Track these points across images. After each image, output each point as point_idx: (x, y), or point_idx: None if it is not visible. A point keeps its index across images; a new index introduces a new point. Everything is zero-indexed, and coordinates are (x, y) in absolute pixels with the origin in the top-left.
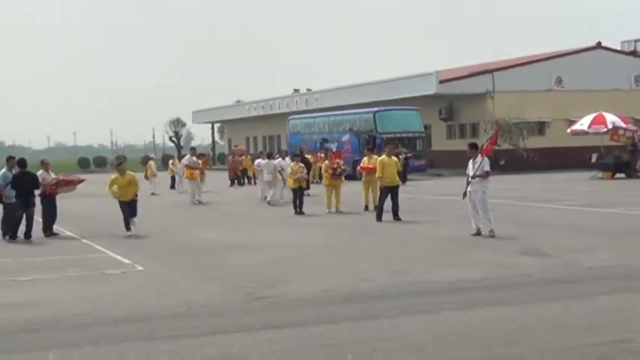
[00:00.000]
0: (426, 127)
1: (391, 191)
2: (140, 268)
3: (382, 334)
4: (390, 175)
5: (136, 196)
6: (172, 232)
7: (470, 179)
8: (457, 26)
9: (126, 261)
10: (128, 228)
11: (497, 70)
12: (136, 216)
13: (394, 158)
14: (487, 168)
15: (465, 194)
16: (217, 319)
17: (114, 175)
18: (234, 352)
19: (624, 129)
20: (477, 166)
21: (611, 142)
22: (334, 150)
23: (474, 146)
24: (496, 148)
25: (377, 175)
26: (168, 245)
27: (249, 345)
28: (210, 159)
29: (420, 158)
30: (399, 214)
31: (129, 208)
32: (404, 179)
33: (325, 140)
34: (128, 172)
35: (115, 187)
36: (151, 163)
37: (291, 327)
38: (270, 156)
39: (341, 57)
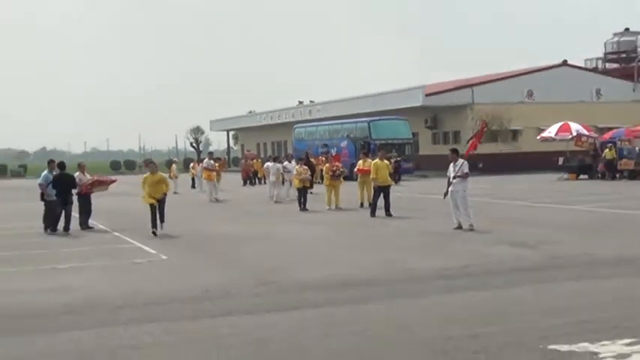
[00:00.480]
0: (413, 134)
1: (383, 190)
2: (164, 257)
3: (375, 316)
4: (382, 176)
5: (165, 195)
6: (193, 226)
7: (451, 180)
8: (446, 43)
9: (152, 251)
10: (154, 225)
11: (477, 84)
12: (164, 222)
13: (386, 161)
14: (466, 170)
15: (445, 194)
16: (230, 302)
17: (145, 174)
18: (245, 331)
19: (587, 136)
20: (457, 168)
21: (576, 147)
22: (334, 154)
23: (455, 151)
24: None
25: (371, 176)
26: (189, 237)
27: (258, 325)
28: (226, 162)
29: (408, 161)
30: (390, 210)
31: (158, 210)
32: (397, 179)
33: (326, 146)
34: (159, 172)
35: (147, 189)
36: (174, 166)
37: (295, 309)
38: (276, 159)
39: (340, 73)
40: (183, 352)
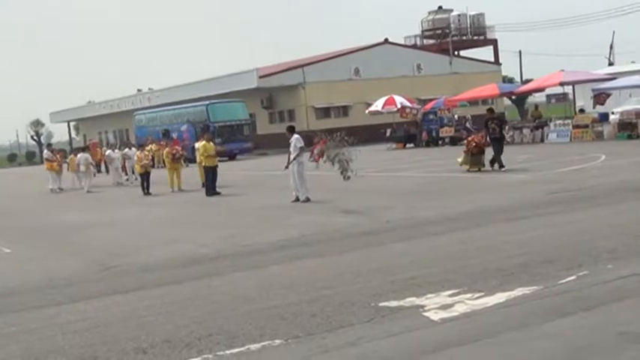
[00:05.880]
0: (251, 115)
1: (213, 170)
2: (7, 250)
3: (218, 289)
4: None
5: None
6: (37, 218)
7: (290, 156)
8: (274, 27)
9: None
10: None
11: (307, 64)
12: None
13: (211, 144)
14: (299, 145)
15: (286, 167)
16: (74, 288)
17: None
18: (89, 316)
19: (410, 107)
20: (292, 144)
21: (401, 118)
22: (174, 138)
23: (289, 129)
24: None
25: (201, 156)
26: (33, 229)
27: (102, 308)
28: (64, 154)
29: (247, 141)
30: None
31: None
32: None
33: (167, 131)
34: None
35: None
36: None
37: (138, 289)
38: (84, 149)
39: (176, 58)
40: (26, 341)
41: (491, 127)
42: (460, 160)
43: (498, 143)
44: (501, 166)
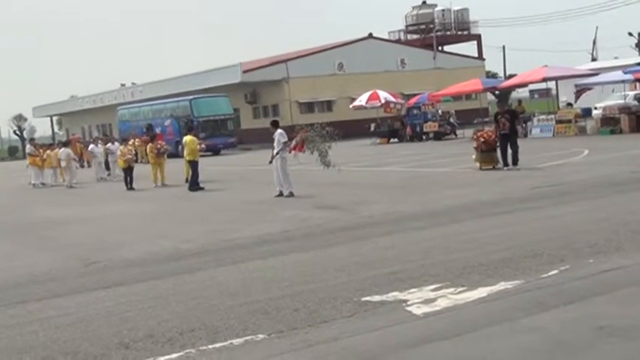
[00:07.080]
0: (235, 110)
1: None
2: None
3: (201, 285)
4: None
5: None
6: (19, 212)
7: (274, 151)
8: (258, 22)
9: None
10: None
11: (291, 59)
12: None
13: (195, 138)
14: (283, 140)
15: (270, 161)
16: (57, 284)
17: None
18: (71, 311)
19: (394, 102)
20: (275, 139)
21: (385, 113)
22: (158, 133)
23: (272, 123)
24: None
25: (188, 151)
26: (15, 223)
27: (84, 303)
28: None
29: (231, 136)
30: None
31: None
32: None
33: (150, 125)
34: None
35: None
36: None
37: (121, 285)
38: (66, 144)
39: (160, 53)
40: (7, 336)
41: (502, 122)
42: (474, 157)
43: (508, 139)
44: (506, 164)
